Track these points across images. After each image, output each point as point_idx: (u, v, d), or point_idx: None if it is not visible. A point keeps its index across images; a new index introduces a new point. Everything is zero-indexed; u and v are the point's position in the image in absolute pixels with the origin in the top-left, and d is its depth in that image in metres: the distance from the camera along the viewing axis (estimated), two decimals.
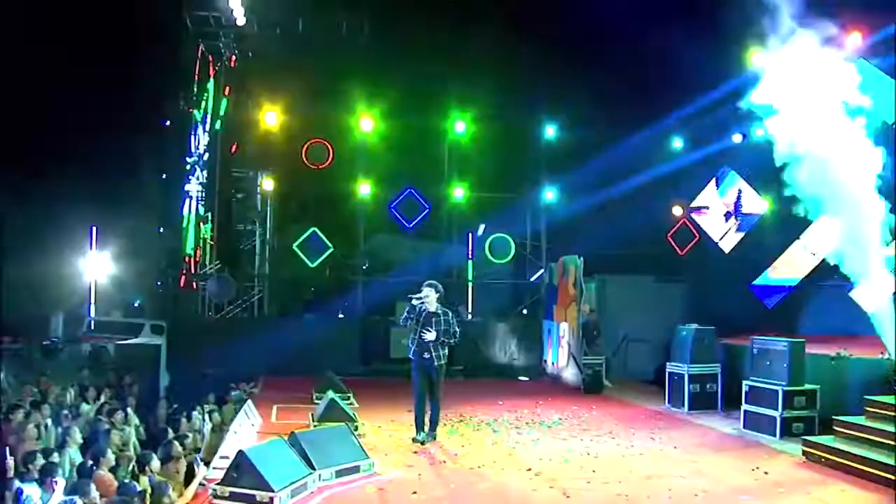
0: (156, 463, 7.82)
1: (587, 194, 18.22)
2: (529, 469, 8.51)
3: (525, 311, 20.22)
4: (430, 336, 9.28)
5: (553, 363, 17.16)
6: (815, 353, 11.03)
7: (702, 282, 17.78)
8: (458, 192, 19.52)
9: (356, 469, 8.04)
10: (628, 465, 8.72)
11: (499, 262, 19.70)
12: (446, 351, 9.57)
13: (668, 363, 13.11)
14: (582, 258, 15.87)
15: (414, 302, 9.39)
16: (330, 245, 18.80)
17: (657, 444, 9.92)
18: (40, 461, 7.58)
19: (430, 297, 9.44)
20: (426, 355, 9.43)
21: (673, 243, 19.36)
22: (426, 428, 9.67)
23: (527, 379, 17.46)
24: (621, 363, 17.11)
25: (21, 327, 28.31)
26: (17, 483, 6.49)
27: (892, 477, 7.51)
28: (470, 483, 7.92)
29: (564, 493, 7.54)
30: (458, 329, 9.60)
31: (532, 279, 20.12)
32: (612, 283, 17.82)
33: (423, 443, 9.53)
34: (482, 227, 20.60)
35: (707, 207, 19.19)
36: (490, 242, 19.54)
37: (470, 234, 20.56)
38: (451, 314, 9.58)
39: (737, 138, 18.25)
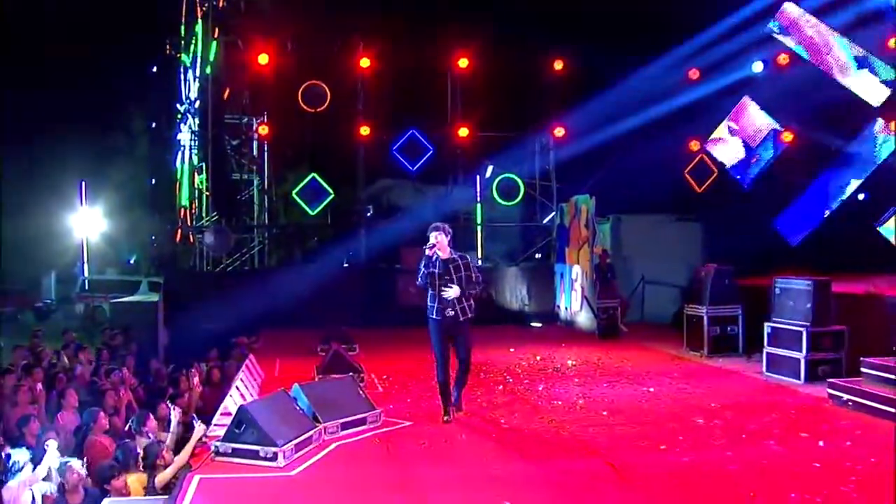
0: (152, 422, 7.88)
1: (599, 130, 18.04)
2: (542, 417, 8.55)
3: (537, 255, 20.20)
4: (452, 292, 8.03)
5: (566, 308, 17.21)
6: (842, 293, 10.91)
7: (721, 220, 17.65)
8: (463, 132, 19.35)
9: (363, 421, 8.07)
10: (645, 412, 8.74)
11: (508, 205, 19.66)
12: (472, 302, 8.26)
13: (686, 305, 13.10)
14: (594, 197, 15.79)
15: (427, 252, 8.14)
16: (330, 191, 18.75)
17: (675, 390, 9.93)
18: (33, 424, 7.66)
19: (440, 242, 8.11)
20: (449, 312, 8.11)
21: (690, 180, 19.20)
22: (453, 397, 8.48)
23: (539, 325, 17.55)
24: (638, 306, 17.11)
25: (11, 289, 28.56)
26: (7, 449, 6.55)
27: None
28: (481, 432, 7.96)
29: (579, 438, 7.59)
30: (479, 275, 8.37)
31: (543, 221, 20.10)
32: (626, 223, 17.77)
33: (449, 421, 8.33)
34: (489, 167, 20.54)
35: (725, 141, 18.98)
36: (498, 184, 19.47)
37: (477, 176, 20.49)
38: (469, 258, 8.34)
39: (757, 66, 17.92)
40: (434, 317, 8.20)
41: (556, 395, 9.74)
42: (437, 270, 8.10)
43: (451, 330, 8.22)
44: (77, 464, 6.56)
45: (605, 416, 8.56)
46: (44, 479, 6.43)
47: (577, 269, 16.49)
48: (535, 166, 20.13)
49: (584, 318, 16.12)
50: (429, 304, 8.23)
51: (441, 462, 7.00)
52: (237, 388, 9.34)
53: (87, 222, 30.57)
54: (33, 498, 6.36)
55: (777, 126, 18.23)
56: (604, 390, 9.99)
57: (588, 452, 7.18)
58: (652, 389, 9.94)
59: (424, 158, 19.03)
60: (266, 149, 21.65)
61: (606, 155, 17.79)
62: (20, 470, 6.42)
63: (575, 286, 16.55)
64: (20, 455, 6.48)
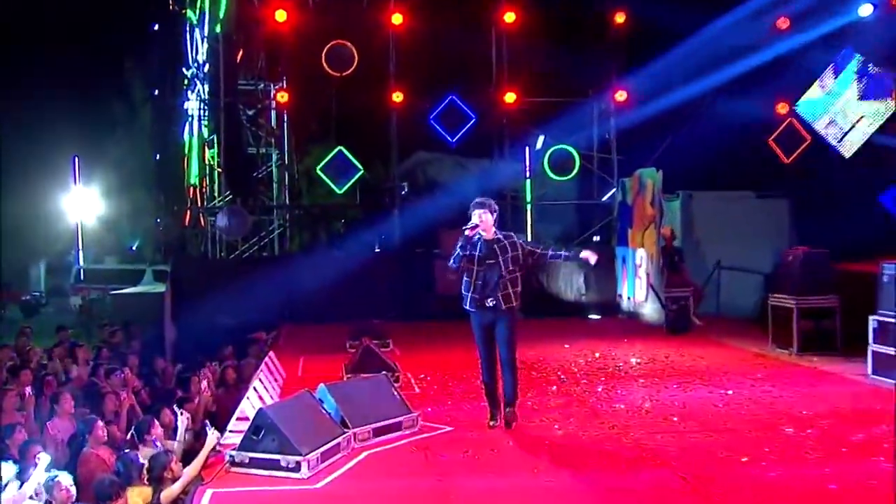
0: (158, 430, 7.97)
1: (667, 92, 17.86)
2: (603, 422, 8.51)
3: (595, 238, 20.11)
4: (494, 275, 7.87)
5: (629, 298, 17.17)
6: None
7: (814, 195, 17.39)
8: (510, 98, 19.27)
9: (398, 426, 8.10)
10: (723, 418, 8.64)
11: (561, 180, 19.56)
12: (518, 289, 8.03)
13: (771, 295, 12.93)
14: (661, 171, 15.63)
15: (467, 233, 7.90)
16: (360, 167, 18.83)
17: (759, 393, 9.79)
18: (19, 435, 7.77)
19: (485, 221, 7.92)
20: (490, 302, 7.93)
21: (777, 148, 18.89)
22: (500, 415, 8.28)
23: (598, 317, 17.56)
24: (713, 296, 16.96)
25: None
26: None
27: None
28: (532, 439, 7.93)
29: (645, 448, 7.52)
30: (531, 248, 8.19)
31: (602, 199, 20.02)
32: (699, 200, 17.59)
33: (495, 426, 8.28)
34: (540, 138, 20.47)
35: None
36: (550, 156, 19.37)
37: (526, 148, 20.41)
38: (515, 237, 8.18)
39: (865, 10, 17.45)
40: (470, 308, 8.08)
41: (618, 398, 9.68)
42: (477, 253, 7.92)
43: (491, 322, 8.05)
44: (66, 479, 6.57)
45: (675, 422, 8.49)
46: (32, 498, 6.41)
47: (641, 254, 16.39)
48: (593, 136, 20.00)
49: (649, 310, 16.05)
50: (463, 292, 8.11)
51: (486, 473, 6.98)
52: (255, 389, 9.42)
53: (81, 204, 30.93)
54: None
55: (888, 81, 17.75)
56: (673, 393, 9.91)
57: (656, 463, 7.11)
58: (731, 392, 9.82)
59: (466, 128, 19.02)
60: (286, 119, 21.79)
61: (676, 121, 17.63)
62: (4, 487, 6.37)
63: (639, 273, 16.47)
64: (5, 470, 6.44)
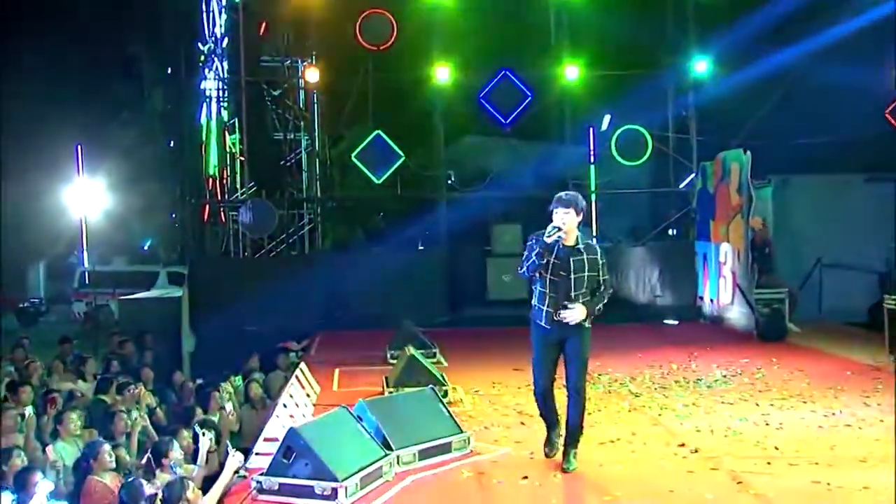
0: (176, 453, 8.05)
1: (756, 61, 17.66)
2: (683, 444, 8.44)
3: (671, 231, 19.96)
4: (574, 314, 7.48)
5: (712, 300, 17.09)
6: None
7: None
8: (572, 72, 19.23)
9: (447, 447, 8.10)
10: (829, 442, 8.50)
11: (631, 165, 19.48)
12: (597, 306, 7.67)
13: (886, 296, 12.80)
14: (749, 153, 15.48)
15: (547, 239, 7.41)
16: (401, 153, 18.91)
17: (874, 413, 9.61)
18: (17, 460, 7.89)
19: (568, 223, 7.45)
20: (565, 317, 7.53)
21: (894, 122, 18.58)
22: (561, 443, 7.90)
23: (676, 322, 17.51)
24: (814, 298, 16.78)
25: None
26: None
27: None
28: (599, 464, 7.89)
29: (734, 477, 7.41)
30: (609, 277, 7.81)
31: (680, 186, 19.97)
32: (796, 186, 17.41)
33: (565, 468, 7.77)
34: (607, 118, 20.48)
35: None
36: (618, 138, 19.34)
37: (590, 129, 20.32)
38: (600, 251, 7.75)
39: None
40: (541, 323, 7.66)
41: (700, 417, 9.59)
42: (553, 259, 7.52)
43: (560, 340, 7.67)
44: None
45: (770, 447, 8.36)
46: None
47: (725, 249, 16.30)
48: (669, 114, 19.97)
49: (736, 314, 15.94)
50: (535, 304, 7.72)
51: (549, 501, 6.95)
52: (284, 406, 9.50)
53: (86, 198, 31.23)
54: None
55: None
56: (767, 412, 9.80)
57: (749, 496, 6.99)
58: (840, 412, 9.67)
59: (521, 108, 19.02)
60: (316, 100, 21.91)
61: (767, 94, 17.41)
62: None
63: (723, 271, 16.38)
64: (2, 499, 6.57)
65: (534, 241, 7.53)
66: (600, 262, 7.65)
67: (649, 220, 20.92)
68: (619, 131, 19.42)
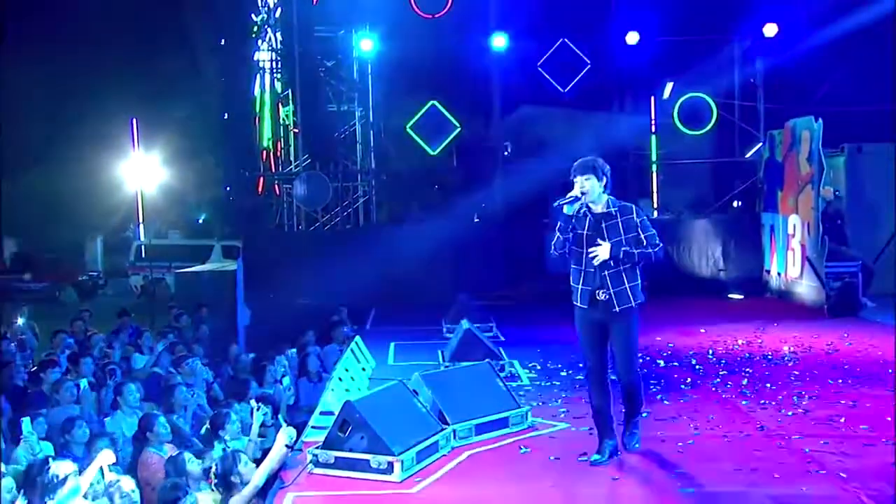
0: (232, 426, 8.10)
1: (829, 23, 17.37)
2: (748, 422, 8.35)
3: (736, 203, 19.72)
4: (602, 251, 6.93)
5: (779, 274, 16.94)
6: None
7: None
8: (632, 39, 19.06)
9: (504, 423, 8.09)
10: None
11: (695, 134, 19.36)
12: (639, 282, 7.12)
13: None
14: (821, 120, 15.22)
15: (567, 209, 7.03)
16: (456, 123, 18.92)
17: None
18: (80, 430, 7.99)
19: (589, 189, 7.00)
20: (601, 294, 7.03)
21: None
22: (616, 432, 7.41)
23: (741, 297, 17.45)
24: (889, 272, 16.47)
25: (47, 260, 29.96)
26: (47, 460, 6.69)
27: None
28: (663, 443, 7.81)
29: (812, 460, 7.26)
30: (654, 233, 7.12)
31: (746, 156, 19.79)
32: (870, 156, 17.03)
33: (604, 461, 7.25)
34: (669, 85, 20.25)
35: None
36: (681, 106, 19.22)
37: (652, 98, 20.15)
38: (634, 210, 7.18)
39: None
40: (578, 303, 7.20)
41: (768, 394, 9.47)
42: (583, 231, 7.05)
43: (602, 322, 7.14)
44: (129, 483, 6.67)
45: (842, 424, 8.22)
46: (86, 497, 6.54)
47: (794, 221, 16.14)
48: (734, 81, 19.76)
49: (805, 288, 15.78)
50: (572, 284, 7.21)
51: (609, 478, 6.92)
52: (340, 379, 9.53)
53: (141, 172, 31.60)
54: None
55: None
56: (839, 389, 9.64)
57: (822, 474, 6.88)
58: None
59: (579, 76, 18.97)
60: (370, 70, 21.87)
61: (840, 58, 17.06)
62: (62, 486, 6.39)
63: (792, 244, 16.22)
64: (64, 467, 6.51)
65: (561, 214, 7.09)
66: (636, 220, 7.09)
67: (712, 192, 20.73)
68: (681, 99, 19.36)
